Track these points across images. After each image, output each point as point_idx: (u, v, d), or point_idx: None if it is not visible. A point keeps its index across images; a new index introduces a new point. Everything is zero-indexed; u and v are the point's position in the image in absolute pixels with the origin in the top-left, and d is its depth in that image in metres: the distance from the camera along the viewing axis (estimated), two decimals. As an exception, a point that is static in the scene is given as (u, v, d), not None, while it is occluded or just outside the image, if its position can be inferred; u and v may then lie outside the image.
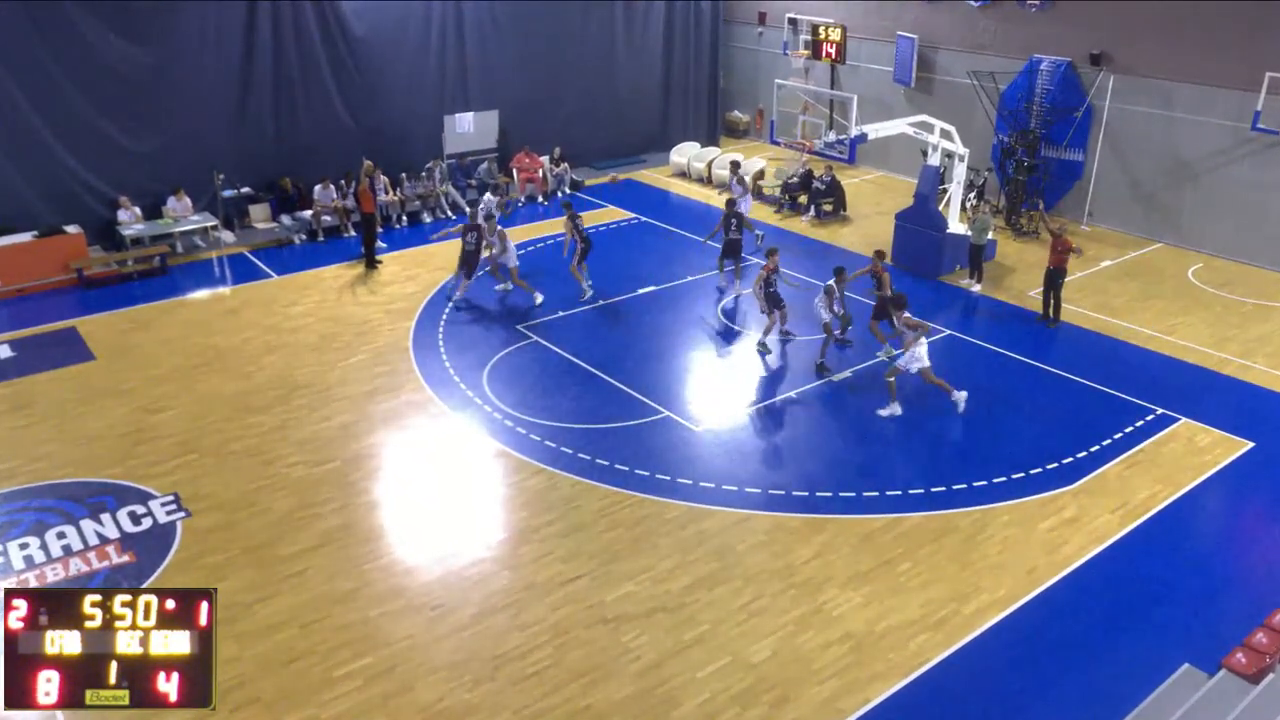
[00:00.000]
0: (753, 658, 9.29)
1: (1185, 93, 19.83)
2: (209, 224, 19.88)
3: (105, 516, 11.24)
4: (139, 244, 19.06)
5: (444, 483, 12.18)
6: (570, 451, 12.68)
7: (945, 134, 18.96)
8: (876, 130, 18.90)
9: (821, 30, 25.30)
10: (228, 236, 20.24)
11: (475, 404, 13.89)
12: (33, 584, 10.12)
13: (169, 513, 11.37)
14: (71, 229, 18.37)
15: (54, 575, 10.30)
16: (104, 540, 10.85)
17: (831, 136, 20.33)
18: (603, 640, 9.48)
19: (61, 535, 10.92)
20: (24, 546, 10.72)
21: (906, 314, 13.58)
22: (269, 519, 11.30)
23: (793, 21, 26.52)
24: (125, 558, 10.59)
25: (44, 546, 10.71)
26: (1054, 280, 16.39)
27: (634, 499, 11.73)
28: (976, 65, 22.28)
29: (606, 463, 12.44)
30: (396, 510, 11.69)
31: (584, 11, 24.98)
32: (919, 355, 13.35)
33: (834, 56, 25.29)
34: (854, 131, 19.08)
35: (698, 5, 27.29)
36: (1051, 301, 16.65)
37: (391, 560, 10.71)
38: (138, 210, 19.45)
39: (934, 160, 19.08)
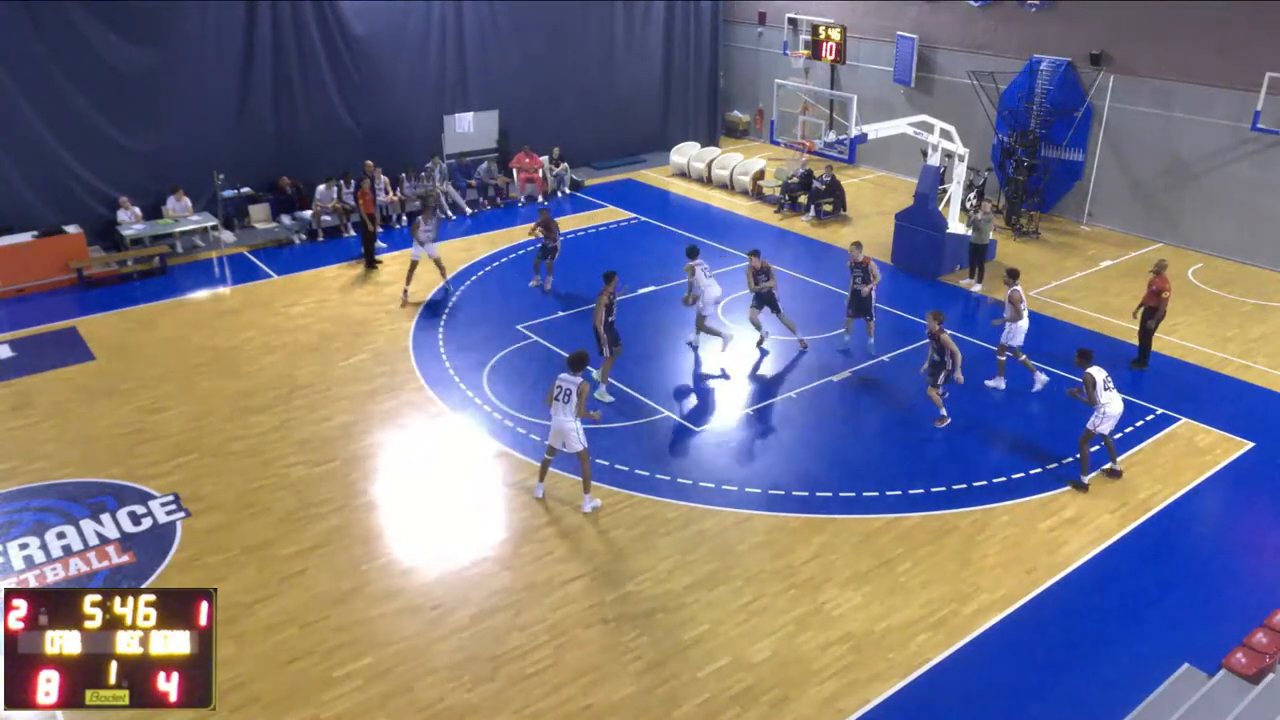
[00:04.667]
0: (753, 658, 9.29)
1: (1185, 93, 19.84)
2: (209, 224, 19.88)
3: (105, 517, 11.25)
4: (139, 244, 19.06)
5: (444, 483, 12.17)
6: (570, 451, 12.68)
7: (945, 134, 18.97)
8: (876, 130, 18.90)
9: (821, 30, 25.30)
10: (228, 236, 20.24)
11: (475, 404, 13.89)
12: (33, 584, 10.12)
13: (169, 513, 11.37)
14: (71, 229, 18.37)
15: (54, 575, 10.30)
16: (104, 540, 10.85)
17: (831, 136, 20.35)
18: (603, 640, 9.49)
19: (61, 535, 10.92)
20: (24, 546, 10.72)
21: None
22: (269, 519, 11.29)
23: (792, 21, 26.52)
24: (125, 558, 10.59)
25: (44, 546, 10.72)
26: (1143, 320, 15.07)
27: (634, 499, 11.73)
28: (976, 65, 22.29)
29: (606, 463, 12.44)
30: (396, 510, 11.69)
31: (584, 11, 24.99)
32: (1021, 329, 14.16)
33: (834, 56, 25.28)
34: (854, 131, 19.09)
35: (697, 5, 27.29)
36: (1141, 342, 15.29)
37: (391, 560, 10.71)
38: (138, 210, 19.45)
39: (934, 160, 19.08)
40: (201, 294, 17.96)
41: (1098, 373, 11.88)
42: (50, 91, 18.28)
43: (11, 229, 18.11)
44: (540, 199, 23.31)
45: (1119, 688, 8.87)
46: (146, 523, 11.19)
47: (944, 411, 13.40)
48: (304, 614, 9.81)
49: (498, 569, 10.53)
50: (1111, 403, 11.88)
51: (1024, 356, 14.46)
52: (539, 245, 17.94)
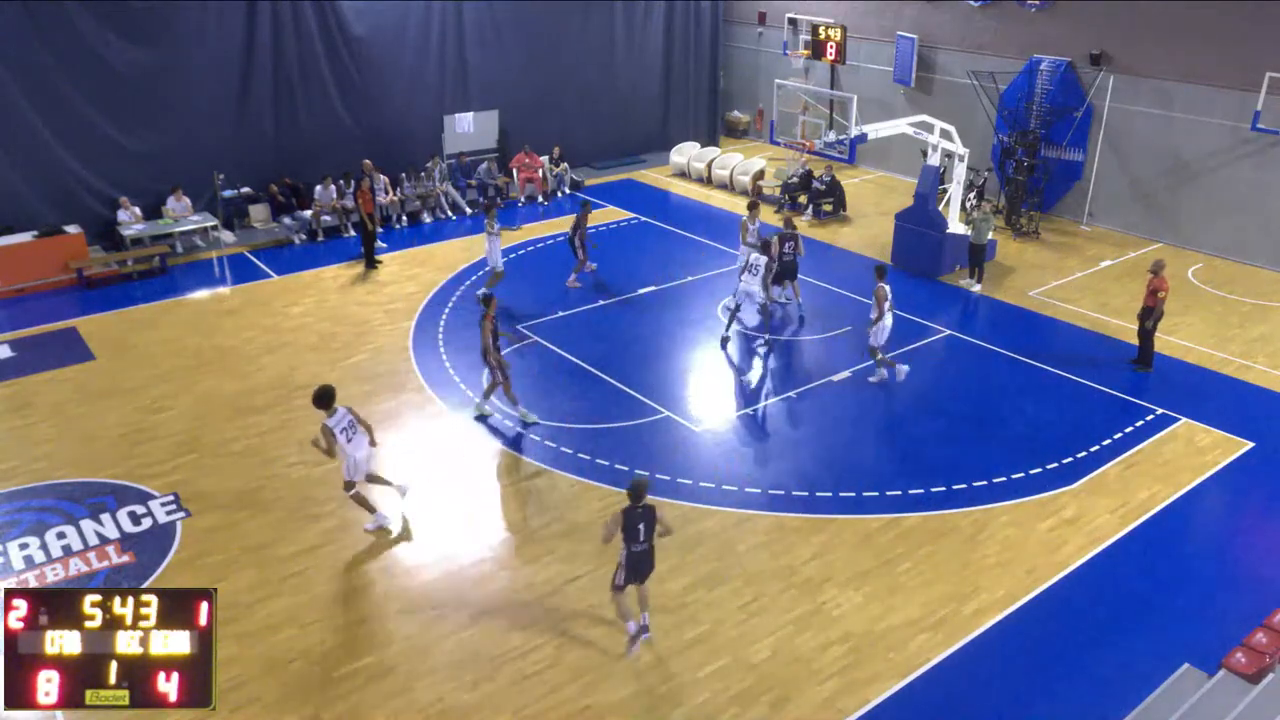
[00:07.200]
0: (752, 657, 9.29)
1: (1185, 93, 19.83)
2: (209, 224, 19.89)
3: (105, 517, 11.25)
4: (139, 244, 19.07)
5: (444, 483, 12.17)
6: (570, 451, 12.68)
7: (945, 134, 18.96)
8: (876, 130, 18.90)
9: (821, 30, 25.30)
10: (227, 236, 20.25)
11: (475, 404, 13.87)
12: (33, 584, 10.12)
13: (169, 513, 11.37)
14: (72, 229, 18.38)
15: (54, 575, 10.30)
16: (104, 540, 10.85)
17: (831, 136, 20.34)
18: (602, 640, 9.48)
19: (61, 535, 10.92)
20: (24, 546, 10.73)
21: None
22: (268, 519, 11.29)
23: (792, 21, 26.52)
24: (125, 558, 10.59)
25: (44, 546, 10.72)
26: (1140, 320, 15.04)
27: (634, 499, 11.71)
28: (976, 65, 22.29)
29: (607, 463, 12.44)
30: (396, 510, 11.68)
31: (584, 12, 24.99)
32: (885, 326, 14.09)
33: (834, 56, 25.28)
34: (854, 131, 19.08)
35: (698, 5, 27.30)
36: (1140, 343, 15.22)
37: (391, 561, 10.71)
38: (138, 210, 19.46)
39: (934, 160, 19.08)
40: (202, 294, 17.96)
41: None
42: (51, 92, 18.29)
43: (12, 229, 18.11)
44: (540, 199, 23.31)
45: (1119, 687, 8.87)
46: (146, 523, 11.20)
47: None
48: (304, 614, 9.81)
49: (497, 569, 10.53)
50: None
51: (880, 355, 14.38)
52: (570, 240, 18.17)
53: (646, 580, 9.29)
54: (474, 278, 18.68)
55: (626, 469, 12.28)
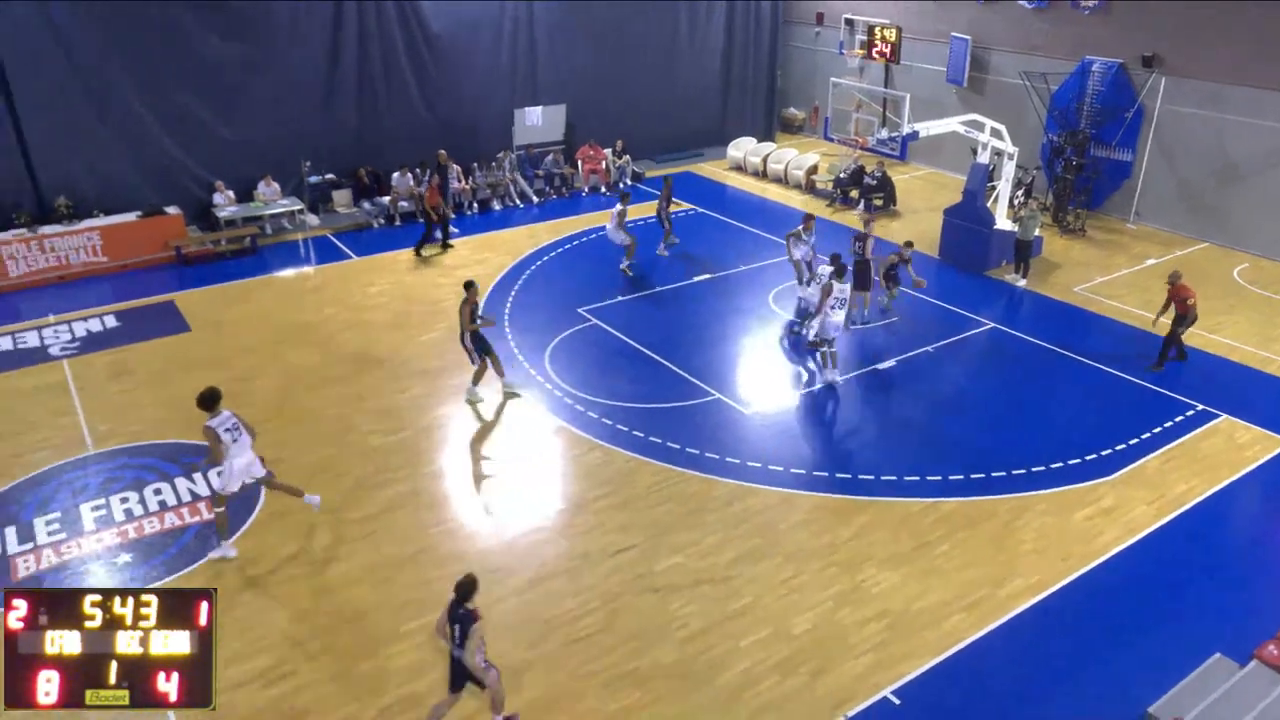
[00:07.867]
0: (793, 630, 9.29)
1: (1237, 95, 19.11)
2: (296, 208, 20.30)
3: (197, 475, 11.61)
4: (232, 225, 19.53)
5: (506, 455, 12.33)
6: (626, 429, 12.75)
7: (995, 133, 18.55)
8: (928, 128, 18.55)
9: (877, 31, 24.87)
10: (312, 219, 20.65)
11: (537, 382, 14.02)
12: (132, 535, 10.51)
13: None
14: (172, 210, 18.94)
15: (151, 528, 10.68)
16: (196, 497, 11.23)
17: (884, 133, 20.02)
18: (651, 608, 9.56)
19: (158, 491, 11.32)
20: (124, 500, 11.14)
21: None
22: (345, 483, 11.55)
23: (849, 22, 26.09)
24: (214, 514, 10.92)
25: (142, 501, 11.12)
26: (1174, 325, 14.57)
27: (684, 476, 11.76)
28: (1028, 66, 21.73)
29: (660, 440, 12.48)
30: (461, 479, 11.88)
31: (648, 12, 24.86)
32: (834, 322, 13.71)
33: (888, 56, 24.84)
34: (906, 129, 18.76)
35: (758, 6, 26.98)
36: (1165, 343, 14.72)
37: (455, 525, 10.90)
38: (231, 194, 19.93)
39: (983, 158, 18.68)
40: (288, 272, 18.37)
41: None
42: (157, 85, 18.78)
43: (119, 209, 18.70)
44: (603, 189, 23.37)
45: (1149, 673, 8.69)
46: (234, 483, 11.52)
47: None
48: (374, 572, 10.05)
49: (554, 537, 10.65)
50: None
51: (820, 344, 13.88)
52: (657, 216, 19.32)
53: (461, 691, 7.74)
54: (539, 262, 18.78)
55: (678, 447, 12.32)
